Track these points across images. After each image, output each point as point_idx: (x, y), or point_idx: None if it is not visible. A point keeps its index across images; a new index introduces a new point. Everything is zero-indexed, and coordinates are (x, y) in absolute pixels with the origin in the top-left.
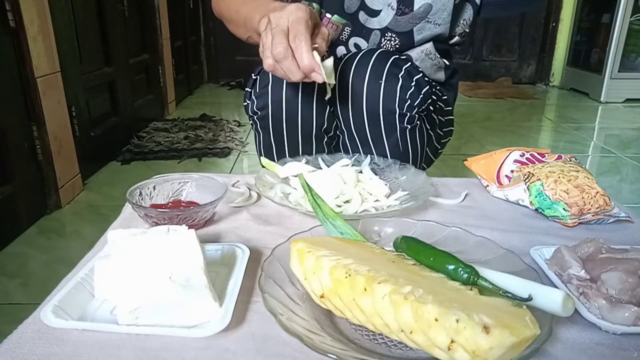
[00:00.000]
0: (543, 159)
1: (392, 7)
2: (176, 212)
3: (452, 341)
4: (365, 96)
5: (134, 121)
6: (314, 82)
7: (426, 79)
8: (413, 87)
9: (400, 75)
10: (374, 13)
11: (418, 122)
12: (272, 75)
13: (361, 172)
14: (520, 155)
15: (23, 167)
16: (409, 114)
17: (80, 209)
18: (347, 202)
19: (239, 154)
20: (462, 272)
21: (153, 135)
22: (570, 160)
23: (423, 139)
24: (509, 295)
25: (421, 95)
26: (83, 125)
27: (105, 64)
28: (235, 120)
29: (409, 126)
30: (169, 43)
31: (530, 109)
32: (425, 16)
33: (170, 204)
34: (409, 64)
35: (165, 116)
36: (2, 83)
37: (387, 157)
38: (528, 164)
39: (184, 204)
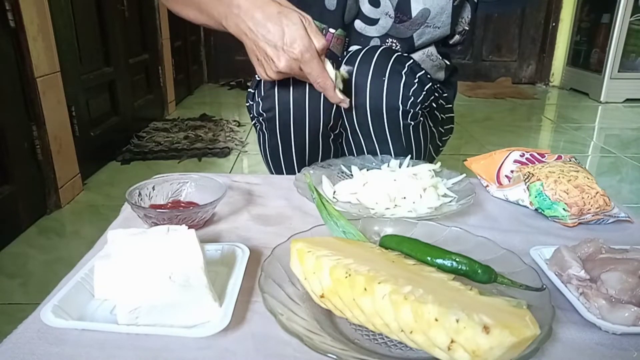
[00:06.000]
0: (543, 159)
1: (389, 15)
2: (175, 212)
3: (452, 341)
4: (368, 93)
5: (133, 121)
6: None
7: (428, 75)
8: (416, 84)
9: (403, 72)
10: (372, 22)
11: (421, 118)
12: None
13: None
14: (520, 156)
15: (23, 167)
16: (412, 110)
17: (80, 209)
18: (396, 206)
19: (239, 154)
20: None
21: (153, 135)
22: (570, 161)
23: (426, 135)
24: (525, 287)
25: (424, 92)
26: (83, 125)
27: (105, 64)
28: (235, 120)
29: (412, 123)
30: (169, 43)
31: (530, 109)
32: (424, 21)
33: (169, 204)
34: (412, 61)
35: (165, 116)
36: (2, 83)
37: (390, 154)
38: (528, 164)
39: (183, 205)
